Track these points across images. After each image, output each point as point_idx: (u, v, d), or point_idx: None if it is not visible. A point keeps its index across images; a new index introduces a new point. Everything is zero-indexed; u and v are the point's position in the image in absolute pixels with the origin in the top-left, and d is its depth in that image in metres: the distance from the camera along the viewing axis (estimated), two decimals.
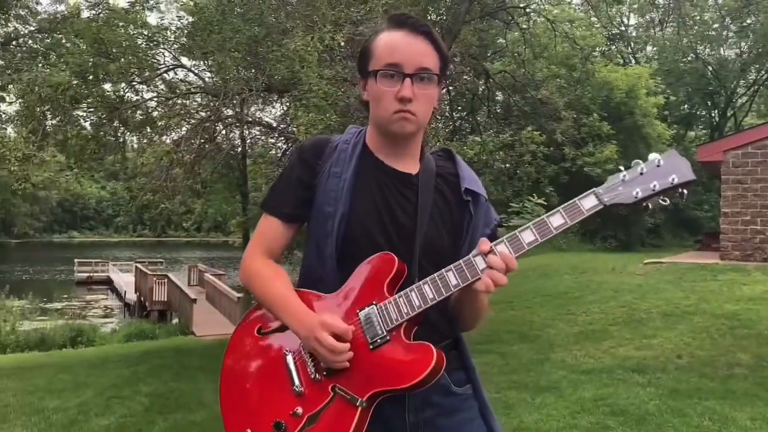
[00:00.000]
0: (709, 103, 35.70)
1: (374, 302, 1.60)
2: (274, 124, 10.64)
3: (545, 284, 12.76)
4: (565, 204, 1.54)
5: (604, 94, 21.70)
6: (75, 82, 8.11)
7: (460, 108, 17.06)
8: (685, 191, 1.54)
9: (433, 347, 1.56)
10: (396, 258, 1.61)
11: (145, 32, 9.07)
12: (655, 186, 1.52)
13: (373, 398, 1.57)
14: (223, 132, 12.09)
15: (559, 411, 5.71)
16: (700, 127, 37.43)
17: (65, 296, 31.71)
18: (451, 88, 13.07)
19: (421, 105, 1.65)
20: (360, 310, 1.60)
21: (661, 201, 1.54)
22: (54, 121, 9.22)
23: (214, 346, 11.77)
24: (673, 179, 1.52)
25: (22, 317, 19.11)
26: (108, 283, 35.03)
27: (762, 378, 6.71)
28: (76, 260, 37.91)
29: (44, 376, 8.67)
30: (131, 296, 27.14)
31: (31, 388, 7.85)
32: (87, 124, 9.68)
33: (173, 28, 9.96)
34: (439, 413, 1.69)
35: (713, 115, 36.47)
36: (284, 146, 10.47)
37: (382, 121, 1.68)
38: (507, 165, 15.80)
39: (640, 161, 1.56)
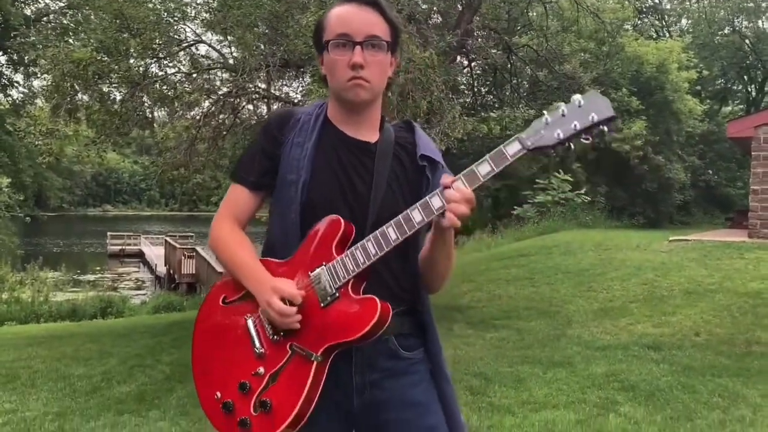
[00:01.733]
0: (745, 77, 34.82)
1: (324, 263, 1.69)
2: (297, 100, 10.66)
3: (567, 261, 12.70)
4: (492, 151, 1.61)
5: (634, 69, 21.25)
6: (98, 57, 8.23)
7: (488, 83, 16.91)
8: (606, 128, 1.57)
9: (378, 300, 1.64)
10: (342, 220, 1.70)
11: (168, 5, 9.13)
12: (575, 126, 1.55)
13: (327, 352, 1.67)
14: (249, 107, 12.18)
15: (569, 386, 5.75)
16: (737, 102, 36.56)
17: (98, 268, 32.43)
18: (474, 63, 12.96)
19: (373, 72, 1.72)
20: (311, 272, 1.70)
21: (583, 140, 1.57)
22: (85, 97, 9.40)
23: None
24: (593, 117, 1.54)
25: (55, 288, 19.63)
26: (140, 256, 35.74)
27: None
28: (108, 233, 38.71)
29: (72, 345, 8.93)
30: (161, 269, 27.68)
31: (59, 355, 8.11)
32: (112, 99, 9.82)
33: (195, 4, 10.01)
34: (385, 376, 1.76)
35: (750, 89, 35.58)
36: None
37: (338, 89, 1.76)
38: None
39: (562, 103, 1.59)
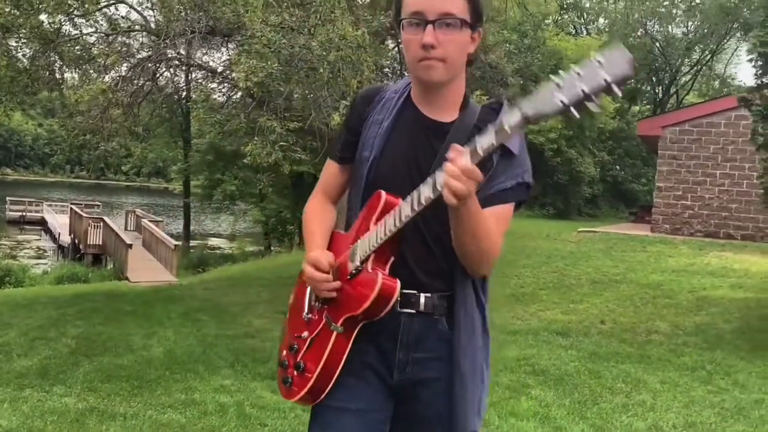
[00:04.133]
0: (654, 79, 36.47)
1: (361, 237, 1.71)
2: (219, 69, 10.35)
3: None
4: (494, 122, 1.42)
5: (554, 63, 21.89)
6: (6, 9, 7.70)
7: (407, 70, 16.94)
8: (619, 91, 1.28)
9: (379, 277, 1.62)
10: (383, 193, 1.69)
11: None
12: (582, 89, 1.28)
13: (347, 323, 1.69)
14: (167, 74, 11.74)
15: None
16: (644, 102, 38.28)
17: None
18: (401, 47, 12.93)
19: (448, 50, 1.65)
20: (353, 245, 1.73)
21: (590, 107, 1.30)
22: None
23: (147, 292, 11.62)
24: (604, 79, 1.26)
25: None
26: (42, 223, 34.00)
27: (676, 345, 7.05)
28: (8, 198, 36.62)
29: None
30: (65, 238, 26.44)
31: None
32: (21, 56, 9.24)
33: None
34: (429, 357, 1.74)
35: (657, 91, 37.31)
36: (228, 92, 10.24)
37: (411, 69, 1.72)
38: None
39: (585, 61, 1.30)
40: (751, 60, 8.23)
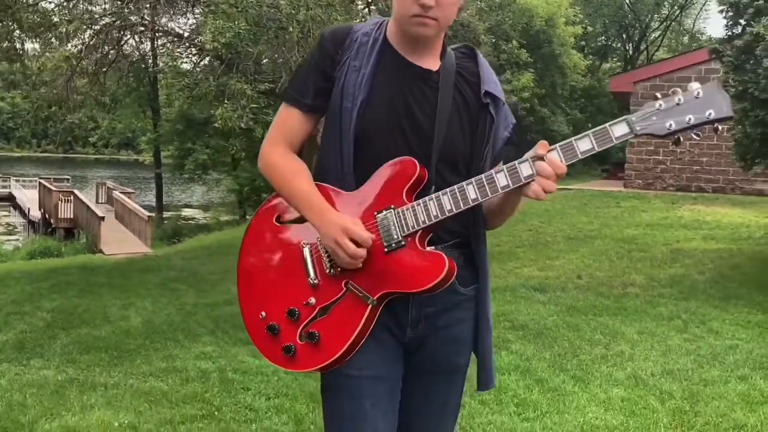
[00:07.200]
0: (624, 36, 36.47)
1: (392, 206, 1.61)
2: (186, 35, 10.10)
3: None
4: (596, 129, 1.51)
5: (525, 21, 21.75)
6: None
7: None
8: (720, 126, 1.48)
9: (445, 257, 1.59)
10: (418, 164, 1.61)
11: None
12: (690, 120, 1.46)
13: (383, 298, 1.63)
14: (132, 42, 11.44)
15: None
16: (615, 59, 38.33)
17: None
18: (372, 8, 12.75)
19: (445, 11, 1.61)
20: (378, 213, 1.62)
21: (694, 135, 1.49)
22: None
23: (122, 264, 11.50)
24: (709, 114, 1.45)
25: None
26: (10, 199, 33.34)
27: (651, 297, 7.16)
28: None
29: None
30: (35, 213, 26.00)
31: None
32: None
33: None
34: (440, 310, 1.73)
35: (627, 48, 37.36)
36: (195, 58, 10.01)
37: (401, 20, 1.64)
38: None
39: (679, 90, 1.48)
40: (721, 11, 8.22)
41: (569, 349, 5.27)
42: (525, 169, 1.53)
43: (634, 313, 6.49)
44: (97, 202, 25.34)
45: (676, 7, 35.54)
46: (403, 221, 1.60)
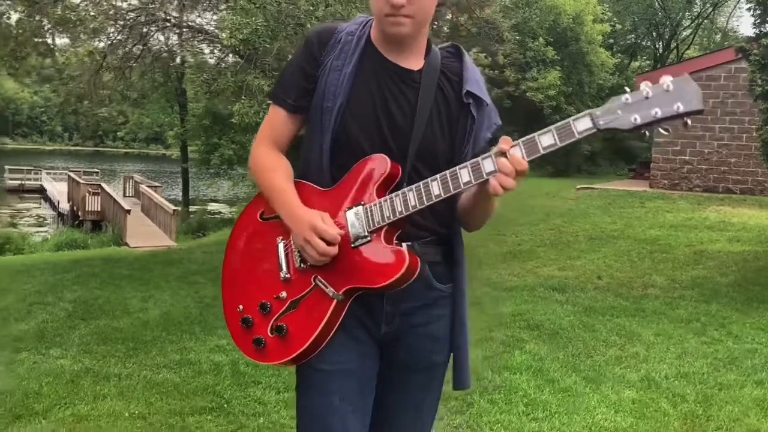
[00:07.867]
0: (654, 34, 35.96)
1: (362, 203, 1.63)
2: (210, 30, 10.19)
3: None
4: (559, 123, 1.47)
5: (551, 19, 21.58)
6: None
7: None
8: (689, 121, 1.41)
9: (406, 253, 1.59)
10: (389, 161, 1.62)
11: None
12: (656, 113, 1.39)
13: (349, 293, 1.64)
14: (160, 38, 11.58)
15: (477, 324, 5.88)
16: (644, 57, 37.81)
17: None
18: None
19: (419, 6, 1.60)
20: (348, 209, 1.64)
21: (662, 130, 1.43)
22: None
23: (145, 256, 11.63)
24: (678, 107, 1.38)
25: None
26: (41, 191, 33.98)
27: (671, 299, 7.06)
28: (6, 167, 36.50)
29: None
30: (64, 206, 26.44)
31: None
32: (7, 19, 9.10)
33: None
34: (416, 306, 1.73)
35: (657, 46, 36.84)
36: (220, 54, 10.09)
37: (378, 20, 1.66)
38: None
39: (649, 83, 1.41)
40: (750, 9, 8.06)
41: (583, 350, 5.22)
42: (488, 165, 1.52)
43: (653, 314, 6.41)
44: (124, 195, 25.67)
45: (708, 5, 34.94)
46: (370, 217, 1.61)
